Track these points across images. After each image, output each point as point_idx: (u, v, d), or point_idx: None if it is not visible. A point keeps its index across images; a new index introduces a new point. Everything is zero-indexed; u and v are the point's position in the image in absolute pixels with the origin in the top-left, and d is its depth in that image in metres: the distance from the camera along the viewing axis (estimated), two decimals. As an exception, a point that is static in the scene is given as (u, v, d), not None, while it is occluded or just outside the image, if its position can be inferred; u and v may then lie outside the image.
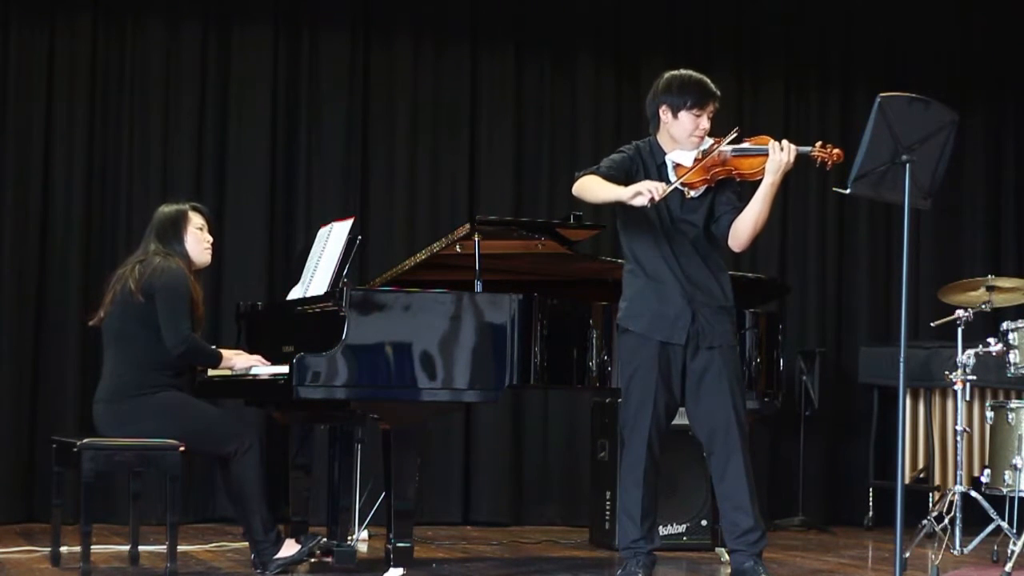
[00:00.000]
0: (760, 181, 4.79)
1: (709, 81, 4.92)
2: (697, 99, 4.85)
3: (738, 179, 4.85)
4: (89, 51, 7.40)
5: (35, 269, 7.25)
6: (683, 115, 4.86)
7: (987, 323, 7.08)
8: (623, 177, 4.82)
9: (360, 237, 5.45)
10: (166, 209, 5.42)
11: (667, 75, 4.94)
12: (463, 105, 7.97)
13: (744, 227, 4.84)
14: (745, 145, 4.83)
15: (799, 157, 4.79)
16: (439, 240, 5.64)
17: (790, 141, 4.80)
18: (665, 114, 4.89)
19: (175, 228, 5.35)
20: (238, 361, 5.40)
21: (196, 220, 5.40)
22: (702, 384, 4.87)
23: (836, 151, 4.80)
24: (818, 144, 4.82)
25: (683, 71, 4.94)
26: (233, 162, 7.60)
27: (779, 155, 4.74)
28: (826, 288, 8.46)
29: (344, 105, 7.77)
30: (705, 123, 4.87)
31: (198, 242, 5.39)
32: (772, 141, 4.78)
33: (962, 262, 8.55)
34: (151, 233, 5.36)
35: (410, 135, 7.88)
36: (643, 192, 4.64)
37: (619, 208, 4.90)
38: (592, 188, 4.80)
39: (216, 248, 7.45)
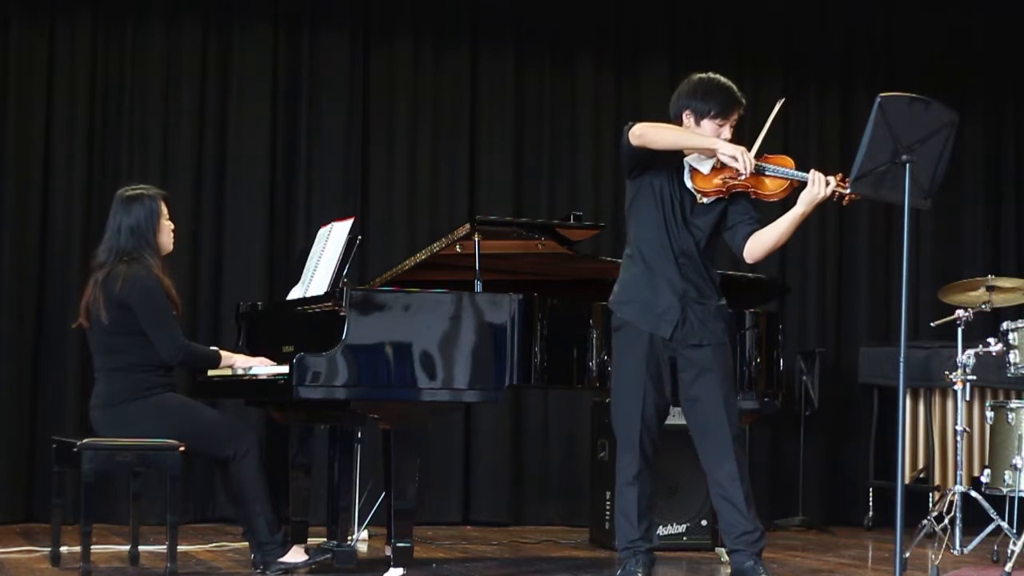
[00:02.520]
0: (773, 203, 4.78)
1: (736, 89, 4.84)
2: (721, 108, 4.79)
3: (753, 196, 4.81)
4: (89, 51, 7.40)
5: (35, 269, 7.26)
6: (706, 123, 4.80)
7: (987, 323, 7.08)
8: (653, 157, 4.77)
9: (360, 237, 5.45)
10: (134, 198, 5.25)
11: (695, 78, 4.87)
12: (463, 105, 7.97)
13: (764, 245, 4.80)
14: (770, 166, 4.72)
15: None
16: (439, 240, 5.64)
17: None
18: (688, 118, 4.83)
19: (152, 226, 5.23)
20: (239, 360, 5.39)
21: (165, 210, 5.31)
22: (695, 385, 4.85)
23: (851, 195, 4.63)
24: (838, 176, 4.73)
25: (712, 76, 4.86)
26: (233, 162, 7.60)
27: (817, 188, 4.66)
28: (826, 288, 8.46)
29: (344, 105, 7.77)
30: (727, 133, 4.80)
31: (167, 233, 5.31)
32: (814, 172, 4.67)
33: (962, 262, 8.55)
34: (123, 227, 5.20)
35: (410, 135, 7.88)
36: (739, 158, 4.62)
37: (633, 188, 4.86)
38: (666, 134, 4.70)
39: (216, 248, 7.53)
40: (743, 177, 4.65)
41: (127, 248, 5.19)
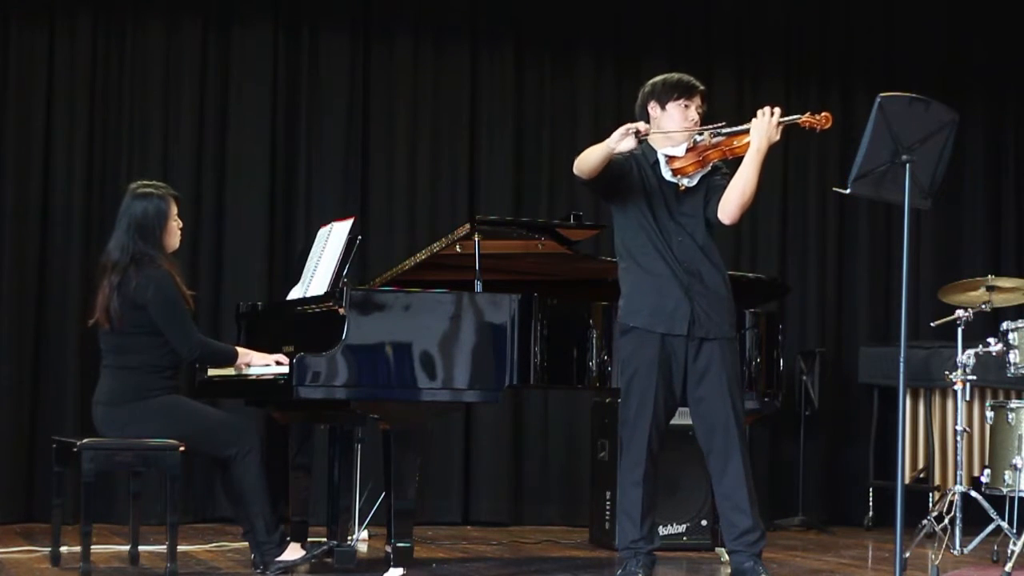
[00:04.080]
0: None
1: (692, 78, 5.03)
2: (683, 90, 4.97)
3: (730, 156, 4.88)
4: (89, 51, 7.40)
5: (35, 269, 7.25)
6: (671, 106, 4.95)
7: (987, 323, 7.08)
8: (618, 172, 4.85)
9: (360, 237, 5.45)
10: (144, 195, 5.26)
11: (649, 81, 5.07)
12: (463, 105, 7.97)
13: (733, 196, 4.84)
14: (721, 128, 4.88)
15: (787, 127, 4.82)
16: (439, 240, 5.65)
17: (786, 131, 4.83)
18: (654, 109, 4.98)
19: (160, 225, 5.23)
20: (256, 357, 5.36)
21: (175, 209, 5.32)
22: (703, 383, 4.88)
23: (824, 114, 4.79)
24: (807, 113, 4.84)
25: (664, 75, 5.07)
26: (233, 162, 7.59)
27: (763, 119, 4.78)
28: (826, 288, 8.46)
29: (344, 105, 7.76)
30: (694, 114, 4.95)
31: (174, 234, 5.32)
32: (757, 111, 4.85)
33: (962, 262, 8.55)
34: (132, 223, 5.20)
35: (410, 135, 7.88)
36: (628, 126, 4.70)
37: (614, 206, 4.97)
38: (585, 157, 4.82)
39: (216, 248, 7.53)
40: (644, 134, 4.73)
41: (137, 247, 5.19)
